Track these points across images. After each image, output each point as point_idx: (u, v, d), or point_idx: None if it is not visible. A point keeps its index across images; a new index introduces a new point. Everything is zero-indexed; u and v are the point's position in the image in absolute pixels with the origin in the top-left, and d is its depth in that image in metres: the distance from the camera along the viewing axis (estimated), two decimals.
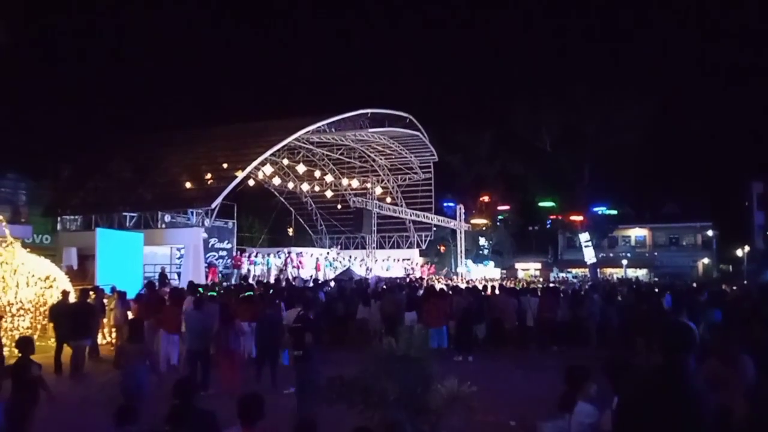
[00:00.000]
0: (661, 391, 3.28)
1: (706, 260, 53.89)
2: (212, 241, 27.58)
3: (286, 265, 29.20)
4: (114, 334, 14.62)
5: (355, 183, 36.47)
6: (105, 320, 14.46)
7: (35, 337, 13.30)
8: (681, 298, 15.30)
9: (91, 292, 13.73)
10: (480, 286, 19.50)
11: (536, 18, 75.17)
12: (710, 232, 54.55)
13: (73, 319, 11.65)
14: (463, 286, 20.72)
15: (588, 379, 4.81)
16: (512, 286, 24.33)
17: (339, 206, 38.05)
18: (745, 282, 32.88)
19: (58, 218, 27.57)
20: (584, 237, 44.81)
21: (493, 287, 18.74)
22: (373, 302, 15.39)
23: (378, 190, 36.44)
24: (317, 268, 30.27)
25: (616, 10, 69.46)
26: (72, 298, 13.50)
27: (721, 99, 57.52)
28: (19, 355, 7.07)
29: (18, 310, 13.90)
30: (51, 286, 14.70)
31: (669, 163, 51.14)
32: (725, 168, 52.50)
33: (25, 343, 7.21)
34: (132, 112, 49.21)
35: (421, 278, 29.91)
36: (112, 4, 62.18)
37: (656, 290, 20.09)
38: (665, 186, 53.64)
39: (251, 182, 30.95)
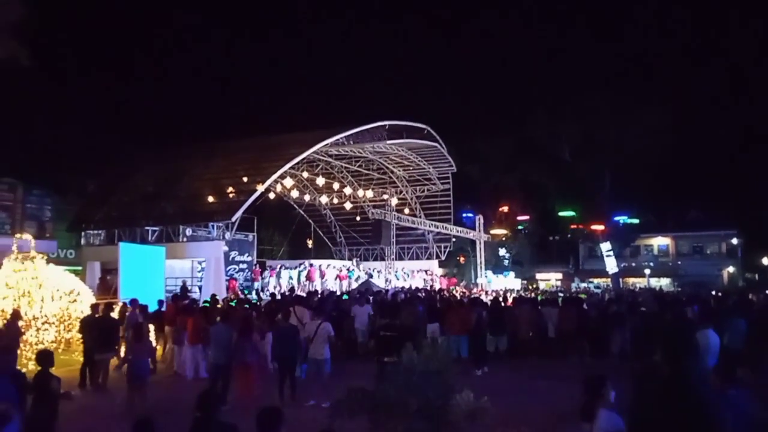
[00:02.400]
0: (670, 402, 3.21)
1: (731, 269, 52.83)
2: (233, 254, 27.76)
3: (308, 277, 29.45)
4: None
5: (373, 195, 36.55)
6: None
7: (60, 350, 13.52)
8: (708, 307, 14.99)
9: (114, 306, 13.90)
10: (500, 297, 19.40)
11: (555, 26, 75.00)
12: (735, 240, 53.50)
13: (98, 333, 11.79)
14: (483, 297, 20.61)
15: (606, 386, 4.75)
16: (531, 295, 24.15)
17: (358, 218, 38.11)
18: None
19: (82, 233, 28.03)
20: (606, 246, 44.29)
21: (514, 298, 18.60)
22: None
23: (396, 202, 36.47)
24: (340, 278, 30.36)
25: (635, 17, 68.92)
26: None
27: (743, 103, 56.59)
28: (39, 368, 7.02)
29: (43, 323, 14.10)
30: (75, 300, 14.92)
31: (691, 169, 50.23)
32: (749, 174, 51.41)
33: (45, 357, 7.17)
34: (153, 127, 49.80)
35: (442, 289, 29.77)
36: (131, 18, 63.30)
37: (683, 299, 19.60)
38: (688, 193, 52.58)
39: (271, 195, 31.17)
